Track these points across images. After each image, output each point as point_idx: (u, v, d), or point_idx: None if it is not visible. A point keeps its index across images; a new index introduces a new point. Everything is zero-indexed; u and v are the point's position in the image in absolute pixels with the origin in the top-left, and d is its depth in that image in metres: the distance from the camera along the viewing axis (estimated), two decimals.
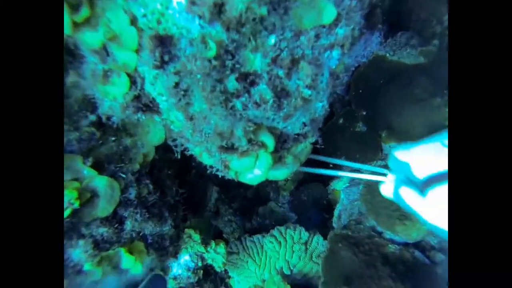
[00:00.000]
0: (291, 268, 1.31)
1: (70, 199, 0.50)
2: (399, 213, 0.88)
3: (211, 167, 0.53)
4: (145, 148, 0.61)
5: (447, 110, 0.91)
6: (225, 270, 1.67)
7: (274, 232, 1.33)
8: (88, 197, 0.52)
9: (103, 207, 0.53)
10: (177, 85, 0.37)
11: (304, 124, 0.47)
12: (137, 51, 0.37)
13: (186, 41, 0.36)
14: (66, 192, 0.50)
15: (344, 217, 1.25)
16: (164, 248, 0.63)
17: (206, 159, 0.51)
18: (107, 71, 0.40)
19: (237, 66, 0.37)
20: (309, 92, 0.42)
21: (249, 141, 0.43)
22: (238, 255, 1.45)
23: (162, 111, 0.44)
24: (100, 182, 0.53)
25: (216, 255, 1.11)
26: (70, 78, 0.43)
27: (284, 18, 0.38)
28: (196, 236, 1.02)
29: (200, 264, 1.10)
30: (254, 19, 0.34)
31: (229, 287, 1.77)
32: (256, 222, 1.49)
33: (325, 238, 1.31)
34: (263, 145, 0.44)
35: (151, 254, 0.61)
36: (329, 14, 0.39)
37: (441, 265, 0.86)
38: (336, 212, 1.33)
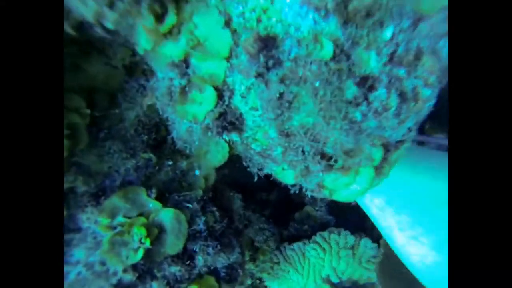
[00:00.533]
0: (339, 275, 1.24)
1: (141, 238, 0.43)
2: None
3: (294, 186, 0.46)
4: (204, 171, 0.54)
5: None
6: (260, 278, 1.60)
7: (317, 238, 1.26)
8: (156, 233, 0.45)
9: (172, 243, 0.47)
10: (281, 96, 0.30)
11: (409, 130, 0.40)
12: (227, 59, 0.30)
13: (292, 42, 0.29)
14: (135, 229, 0.43)
15: None
16: (235, 279, 0.56)
17: (288, 178, 0.44)
18: (185, 87, 0.33)
19: (353, 68, 0.30)
20: (429, 91, 0.34)
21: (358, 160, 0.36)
22: (278, 265, 1.38)
23: (247, 128, 0.38)
24: (166, 216, 0.46)
25: (263, 265, 1.04)
26: (148, 101, 0.36)
27: (401, 7, 0.31)
28: (247, 254, 0.95)
29: (249, 282, 1.03)
30: (386, 6, 0.27)
31: None
32: (294, 229, 1.42)
33: (372, 240, 1.23)
34: (371, 159, 0.37)
35: (225, 287, 0.54)
36: None
37: None
38: None
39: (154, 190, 0.46)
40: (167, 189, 0.50)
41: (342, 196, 0.43)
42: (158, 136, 0.50)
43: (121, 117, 0.45)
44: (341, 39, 0.29)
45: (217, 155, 0.52)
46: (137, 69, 0.39)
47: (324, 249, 1.23)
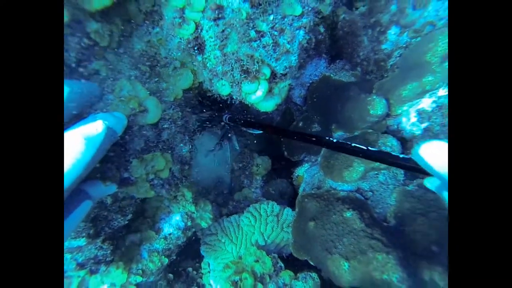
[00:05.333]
0: (266, 239, 1.55)
1: (134, 107, 0.77)
2: (346, 164, 1.29)
3: (228, 95, 0.87)
4: (175, 91, 0.92)
5: (367, 99, 1.41)
6: (198, 271, 1.81)
7: (250, 208, 1.60)
8: (142, 109, 0.80)
9: (151, 118, 0.81)
10: (223, 31, 0.74)
11: (286, 67, 0.86)
12: (202, 11, 0.73)
13: (229, 10, 0.74)
14: (131, 102, 0.77)
15: (308, 189, 1.61)
16: (183, 164, 0.89)
17: (225, 90, 0.85)
18: (181, 22, 0.74)
19: (254, 26, 0.76)
20: (289, 46, 0.82)
21: (257, 70, 0.80)
22: (216, 236, 1.64)
23: (206, 51, 0.79)
24: (151, 102, 0.82)
25: (203, 213, 1.32)
26: (155, 30, 0.76)
27: (277, 9, 0.80)
28: (189, 194, 1.24)
29: (189, 223, 1.29)
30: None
31: (201, 286, 1.87)
32: (232, 206, 1.73)
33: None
34: (264, 74, 0.82)
35: (176, 164, 0.86)
36: (298, 10, 0.83)
37: (371, 200, 1.27)
38: (301, 189, 1.68)
39: (146, 86, 0.82)
40: (152, 93, 0.86)
41: (252, 99, 0.85)
42: (152, 61, 0.88)
43: (132, 44, 0.83)
44: (250, 12, 0.75)
45: (186, 81, 0.92)
46: (151, 16, 0.79)
47: (255, 217, 1.57)
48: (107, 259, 1.14)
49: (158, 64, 0.88)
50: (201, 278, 1.85)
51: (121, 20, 0.75)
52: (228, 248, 1.63)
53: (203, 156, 1.67)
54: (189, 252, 1.89)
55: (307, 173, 1.67)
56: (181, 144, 0.88)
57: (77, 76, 0.69)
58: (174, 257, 1.34)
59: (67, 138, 0.51)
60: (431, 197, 1.21)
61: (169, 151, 0.85)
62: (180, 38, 0.75)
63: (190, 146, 0.91)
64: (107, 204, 0.94)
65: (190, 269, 1.93)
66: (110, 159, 0.75)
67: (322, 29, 1.67)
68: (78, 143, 0.51)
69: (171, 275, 1.70)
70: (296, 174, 1.87)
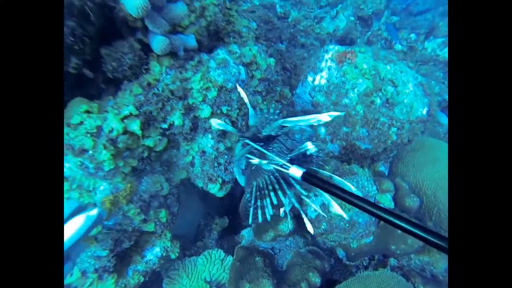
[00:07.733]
0: (211, 277, 2.37)
1: (159, 188, 1.77)
2: (265, 231, 2.25)
3: (201, 187, 1.89)
4: (176, 180, 1.94)
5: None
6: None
7: (205, 252, 2.46)
8: (162, 189, 1.80)
9: (164, 192, 1.80)
10: (203, 162, 1.81)
11: (230, 178, 1.92)
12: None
13: (208, 153, 1.82)
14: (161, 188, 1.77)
15: (245, 244, 2.52)
16: (173, 216, 1.83)
17: (200, 184, 1.89)
18: (189, 163, 1.81)
19: (217, 161, 1.84)
20: (231, 170, 1.91)
21: (216, 179, 1.85)
22: (178, 271, 2.44)
23: (195, 169, 1.84)
24: (165, 185, 1.82)
25: (174, 248, 2.16)
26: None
27: (231, 152, 1.91)
28: (168, 234, 2.12)
29: (164, 254, 2.13)
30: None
31: None
32: (193, 250, 2.58)
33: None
34: (219, 181, 1.86)
35: (169, 216, 1.80)
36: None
37: (278, 255, 2.20)
38: (241, 244, 2.58)
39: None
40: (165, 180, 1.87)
41: (212, 190, 1.87)
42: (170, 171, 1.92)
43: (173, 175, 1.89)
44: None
45: (182, 175, 1.94)
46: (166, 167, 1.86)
47: (207, 259, 2.43)
48: (110, 270, 1.93)
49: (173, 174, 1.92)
50: None
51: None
52: (184, 282, 2.41)
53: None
54: None
55: (247, 234, 2.60)
56: (174, 206, 1.84)
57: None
58: (147, 279, 2.13)
59: (78, 218, 1.45)
60: (310, 256, 2.17)
61: (167, 209, 1.81)
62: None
63: (177, 208, 1.86)
64: (127, 232, 1.83)
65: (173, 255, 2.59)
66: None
67: None
68: (82, 219, 1.46)
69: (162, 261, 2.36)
70: (242, 235, 2.79)
